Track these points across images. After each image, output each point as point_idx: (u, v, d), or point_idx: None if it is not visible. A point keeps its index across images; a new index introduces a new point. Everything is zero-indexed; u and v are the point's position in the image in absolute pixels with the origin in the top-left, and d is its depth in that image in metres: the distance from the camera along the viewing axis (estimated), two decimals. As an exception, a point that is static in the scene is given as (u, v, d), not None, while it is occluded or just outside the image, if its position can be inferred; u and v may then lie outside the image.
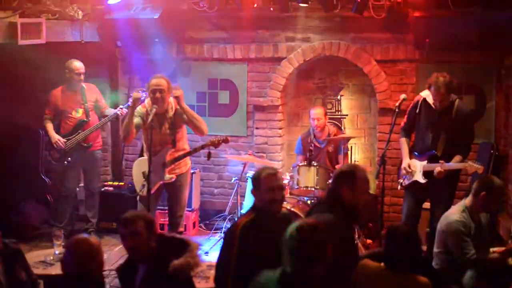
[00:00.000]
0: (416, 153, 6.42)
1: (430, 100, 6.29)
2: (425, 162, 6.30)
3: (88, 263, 3.60)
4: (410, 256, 3.94)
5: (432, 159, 6.25)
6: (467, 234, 5.08)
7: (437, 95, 6.14)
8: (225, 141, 6.64)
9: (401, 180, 6.52)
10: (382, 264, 3.97)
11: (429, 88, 6.22)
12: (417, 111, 6.41)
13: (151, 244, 4.01)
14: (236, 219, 4.49)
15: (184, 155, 6.63)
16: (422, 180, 6.30)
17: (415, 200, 6.45)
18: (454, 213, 5.19)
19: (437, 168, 6.13)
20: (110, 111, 7.67)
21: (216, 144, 6.58)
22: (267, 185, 4.43)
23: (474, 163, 6.06)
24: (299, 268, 3.43)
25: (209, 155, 6.66)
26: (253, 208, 4.55)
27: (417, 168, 6.35)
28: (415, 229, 6.13)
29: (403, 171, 6.42)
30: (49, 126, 7.56)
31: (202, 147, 6.63)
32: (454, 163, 6.16)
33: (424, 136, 6.37)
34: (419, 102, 6.40)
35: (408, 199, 6.50)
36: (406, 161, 6.42)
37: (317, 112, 7.61)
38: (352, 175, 4.37)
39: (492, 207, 5.27)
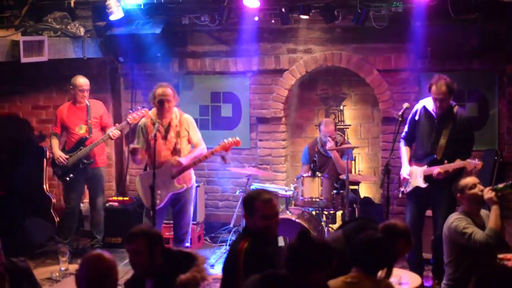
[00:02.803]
0: (415, 160, 6.43)
1: (429, 107, 6.31)
2: (425, 167, 6.30)
3: (102, 279, 3.57)
4: (375, 260, 3.92)
5: (432, 163, 6.26)
6: (468, 224, 5.02)
7: (438, 94, 6.14)
8: (236, 143, 6.64)
9: (402, 188, 6.51)
10: (344, 277, 3.92)
11: (430, 89, 6.21)
12: (417, 118, 6.43)
13: (155, 260, 3.99)
14: (232, 245, 4.17)
15: (194, 163, 6.65)
16: (423, 185, 6.29)
17: (417, 207, 6.44)
18: (452, 217, 5.18)
19: (436, 169, 6.14)
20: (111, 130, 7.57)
21: (227, 148, 6.61)
22: (262, 213, 4.12)
23: (472, 160, 6.07)
24: (291, 274, 3.48)
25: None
26: (247, 232, 4.25)
27: (417, 174, 6.34)
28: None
29: (401, 177, 6.43)
30: (54, 143, 7.50)
31: (212, 152, 6.64)
32: (453, 163, 6.16)
33: (424, 143, 6.38)
34: (419, 110, 6.42)
35: (410, 206, 6.49)
36: (404, 168, 6.43)
37: (329, 128, 7.58)
38: (396, 236, 4.35)
39: (476, 202, 5.15)
